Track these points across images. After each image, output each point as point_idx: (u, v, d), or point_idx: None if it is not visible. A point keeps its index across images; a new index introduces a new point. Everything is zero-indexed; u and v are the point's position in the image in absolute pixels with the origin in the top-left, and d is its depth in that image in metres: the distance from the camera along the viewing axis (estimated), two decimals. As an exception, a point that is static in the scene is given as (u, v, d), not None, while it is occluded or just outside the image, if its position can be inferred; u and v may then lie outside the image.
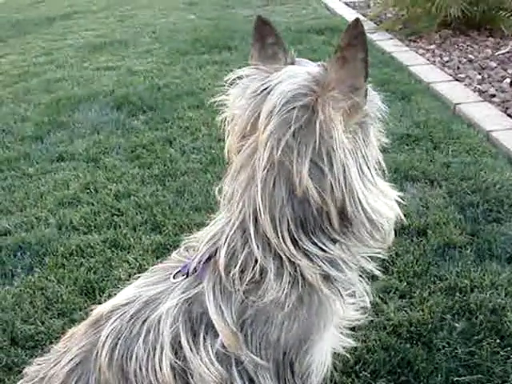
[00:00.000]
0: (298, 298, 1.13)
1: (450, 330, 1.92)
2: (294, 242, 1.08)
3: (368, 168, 1.10)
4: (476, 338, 1.88)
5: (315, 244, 1.09)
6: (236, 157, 1.14)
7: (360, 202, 1.08)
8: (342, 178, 1.05)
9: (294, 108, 1.04)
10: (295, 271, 1.11)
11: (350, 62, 1.04)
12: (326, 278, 1.13)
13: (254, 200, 1.09)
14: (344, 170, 1.05)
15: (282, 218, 1.07)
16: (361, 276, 1.20)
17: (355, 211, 1.08)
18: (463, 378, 1.75)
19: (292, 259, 1.09)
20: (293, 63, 1.16)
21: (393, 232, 1.17)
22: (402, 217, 1.16)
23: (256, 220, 1.09)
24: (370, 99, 1.11)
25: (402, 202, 1.18)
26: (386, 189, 1.16)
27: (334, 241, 1.11)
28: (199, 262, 1.19)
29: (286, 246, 1.08)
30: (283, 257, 1.10)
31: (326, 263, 1.11)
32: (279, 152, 1.04)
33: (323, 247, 1.10)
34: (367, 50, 1.05)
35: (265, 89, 1.08)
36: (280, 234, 1.07)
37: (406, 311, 2.01)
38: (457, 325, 1.94)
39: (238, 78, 1.15)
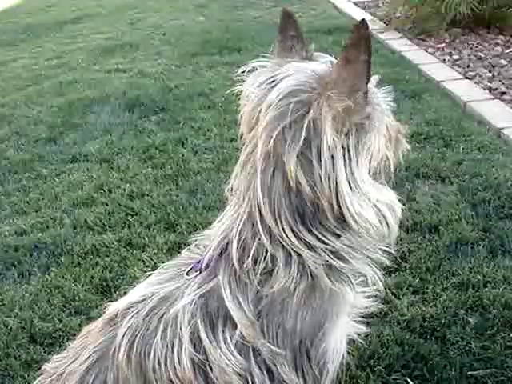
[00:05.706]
0: (310, 286, 1.14)
1: (463, 325, 1.94)
2: (295, 234, 1.09)
3: (358, 171, 1.08)
4: (489, 332, 1.90)
5: (316, 236, 1.09)
6: (242, 151, 1.15)
7: (345, 203, 1.06)
8: (331, 175, 1.05)
9: (290, 103, 1.05)
10: (303, 260, 1.12)
11: (352, 63, 1.03)
12: (330, 267, 1.13)
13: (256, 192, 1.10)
14: (332, 168, 1.05)
15: (281, 209, 1.08)
16: (369, 265, 1.20)
17: (343, 211, 1.07)
18: (477, 371, 1.76)
19: (295, 249, 1.10)
20: (311, 58, 1.17)
21: (395, 231, 1.16)
22: (392, 223, 1.13)
23: (260, 212, 1.10)
24: (375, 102, 1.10)
25: (400, 205, 1.16)
26: (380, 194, 1.12)
27: (338, 236, 1.11)
28: (212, 257, 1.20)
29: (288, 237, 1.09)
30: (287, 247, 1.11)
31: (329, 254, 1.11)
32: (271, 144, 1.05)
33: (324, 240, 1.10)
34: (371, 52, 1.02)
35: (271, 81, 1.10)
36: (280, 226, 1.09)
37: (419, 306, 2.02)
38: (470, 320, 1.95)
39: (252, 68, 1.16)
